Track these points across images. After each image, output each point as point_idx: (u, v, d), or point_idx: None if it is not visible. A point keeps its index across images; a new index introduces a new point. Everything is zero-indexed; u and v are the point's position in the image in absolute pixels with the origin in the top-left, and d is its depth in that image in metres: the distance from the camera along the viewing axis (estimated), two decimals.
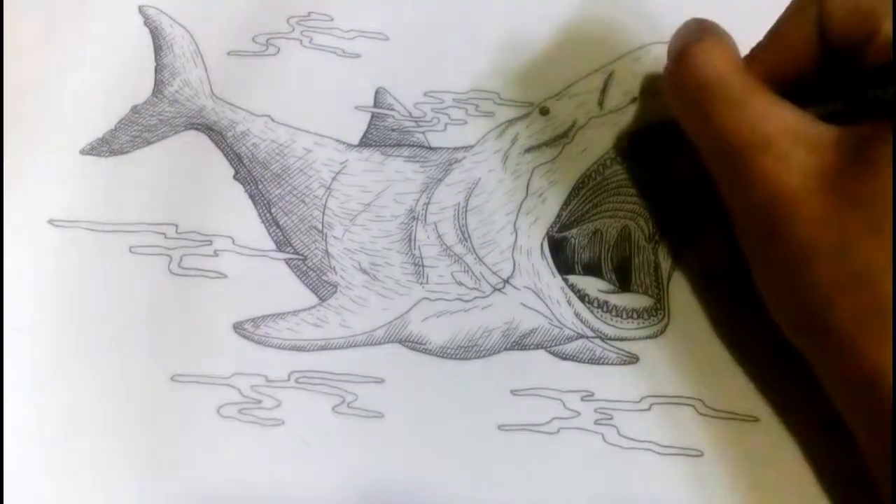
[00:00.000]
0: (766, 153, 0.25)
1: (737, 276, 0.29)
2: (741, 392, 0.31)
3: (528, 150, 0.33)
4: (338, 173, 0.33)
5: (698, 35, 0.27)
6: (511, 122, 0.34)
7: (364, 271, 0.32)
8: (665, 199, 0.32)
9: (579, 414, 0.31)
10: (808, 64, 0.27)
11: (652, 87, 0.33)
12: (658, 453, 0.30)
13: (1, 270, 0.32)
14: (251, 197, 0.33)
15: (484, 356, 0.31)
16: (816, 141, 0.24)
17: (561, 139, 0.33)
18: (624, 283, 0.32)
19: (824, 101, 0.27)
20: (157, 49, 0.35)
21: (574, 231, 0.33)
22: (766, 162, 0.25)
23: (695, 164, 0.28)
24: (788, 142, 0.24)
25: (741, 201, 0.26)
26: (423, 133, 0.34)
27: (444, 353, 0.31)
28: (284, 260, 0.32)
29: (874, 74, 0.25)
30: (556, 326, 0.32)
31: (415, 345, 0.32)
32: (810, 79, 0.27)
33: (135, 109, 0.34)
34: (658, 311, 0.32)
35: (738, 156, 0.25)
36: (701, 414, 0.31)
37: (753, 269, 0.27)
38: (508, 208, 0.33)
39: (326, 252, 0.33)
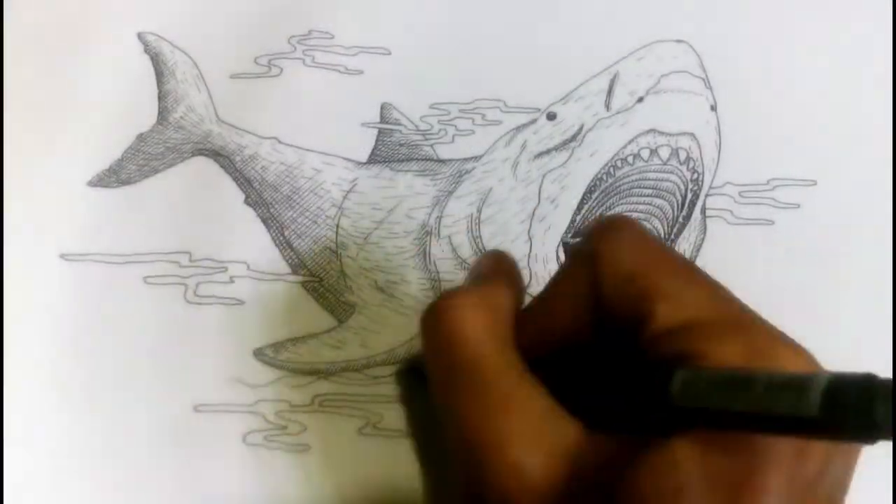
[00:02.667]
0: (500, 456, 0.19)
1: None
2: None
3: (538, 156, 0.33)
4: (348, 192, 0.33)
5: (469, 281, 0.23)
6: (519, 129, 0.33)
7: (381, 289, 0.32)
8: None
9: None
10: (581, 330, 0.21)
11: None
12: None
13: (3, 305, 0.32)
14: (263, 221, 0.33)
15: None
16: (556, 448, 0.19)
17: (570, 143, 0.33)
18: None
19: (595, 382, 0.22)
20: (159, 75, 0.34)
21: None
22: (498, 468, 0.19)
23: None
24: (524, 444, 0.19)
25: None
26: (431, 146, 0.34)
27: None
28: (300, 283, 0.32)
29: (644, 367, 0.19)
30: None
31: None
32: (587, 342, 0.22)
33: (140, 138, 0.34)
34: None
35: (472, 451, 0.20)
36: None
37: None
38: (521, 216, 0.32)
39: (342, 272, 0.32)
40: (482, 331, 0.21)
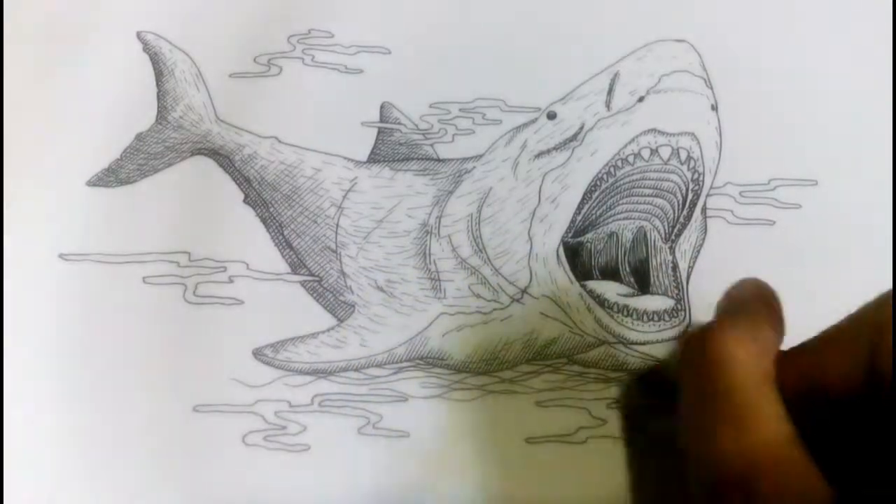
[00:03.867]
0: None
1: None
2: None
3: (538, 155, 0.33)
4: (348, 191, 0.33)
5: (734, 314, 0.22)
6: (519, 128, 0.33)
7: (381, 289, 0.32)
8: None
9: (606, 422, 0.30)
10: (847, 390, 0.21)
11: None
12: None
13: (3, 305, 0.31)
14: (263, 220, 0.33)
15: (506, 368, 0.31)
16: None
17: (570, 142, 0.33)
18: (643, 285, 0.32)
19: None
20: (158, 75, 0.34)
21: (589, 235, 0.32)
22: None
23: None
24: (773, 491, 0.19)
25: None
26: (431, 145, 0.34)
27: (466, 367, 0.31)
28: (300, 282, 0.32)
29: None
30: (577, 334, 0.31)
31: (436, 360, 0.31)
32: (847, 401, 0.21)
33: (139, 137, 0.34)
34: (679, 312, 0.31)
35: (720, 485, 0.20)
36: None
37: None
38: (522, 216, 0.32)
39: (342, 272, 0.32)
40: (749, 366, 0.20)
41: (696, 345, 0.21)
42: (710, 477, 0.20)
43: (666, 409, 0.23)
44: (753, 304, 0.22)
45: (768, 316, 0.22)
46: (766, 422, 0.20)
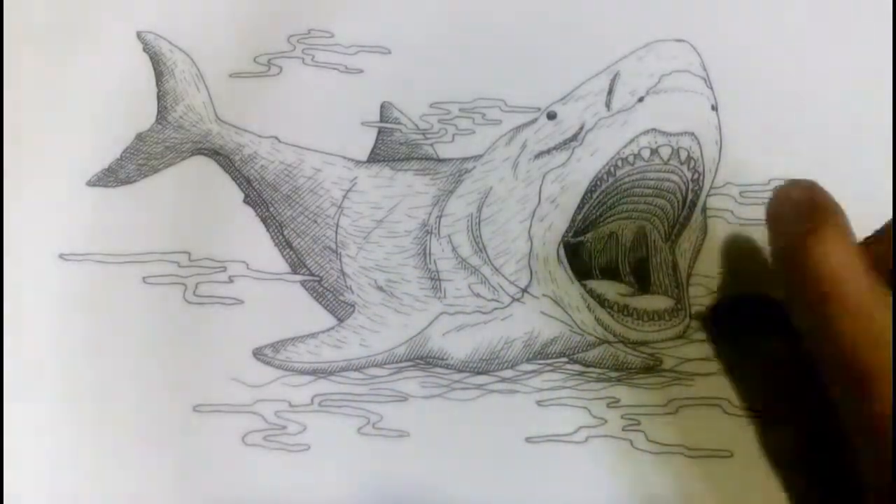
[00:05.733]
0: (889, 375, 0.22)
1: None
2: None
3: (538, 155, 0.33)
4: (348, 191, 0.33)
5: (815, 220, 0.24)
6: (519, 128, 0.33)
7: (381, 289, 0.32)
8: (752, 377, 0.31)
9: (606, 421, 0.30)
10: None
11: (740, 257, 0.32)
12: (688, 456, 0.30)
13: (3, 305, 0.31)
14: (263, 220, 0.33)
15: (506, 368, 0.31)
16: None
17: (570, 142, 0.33)
18: (643, 285, 0.32)
19: None
20: (158, 75, 0.34)
21: (589, 235, 0.32)
22: (886, 385, 0.22)
23: (793, 350, 0.27)
24: None
25: (856, 416, 0.24)
26: (431, 145, 0.34)
27: (467, 367, 0.31)
28: (300, 282, 0.32)
29: None
30: (578, 333, 0.31)
31: (436, 360, 0.31)
32: None
33: (139, 137, 0.34)
34: (679, 312, 0.31)
35: (856, 371, 0.23)
36: (728, 413, 0.30)
37: (864, 473, 0.25)
38: (522, 216, 0.32)
39: (342, 272, 0.32)
40: (853, 258, 0.23)
41: (789, 257, 0.24)
42: (855, 372, 0.23)
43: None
44: (821, 205, 0.25)
45: (838, 211, 0.25)
46: (884, 308, 0.23)
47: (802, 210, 0.25)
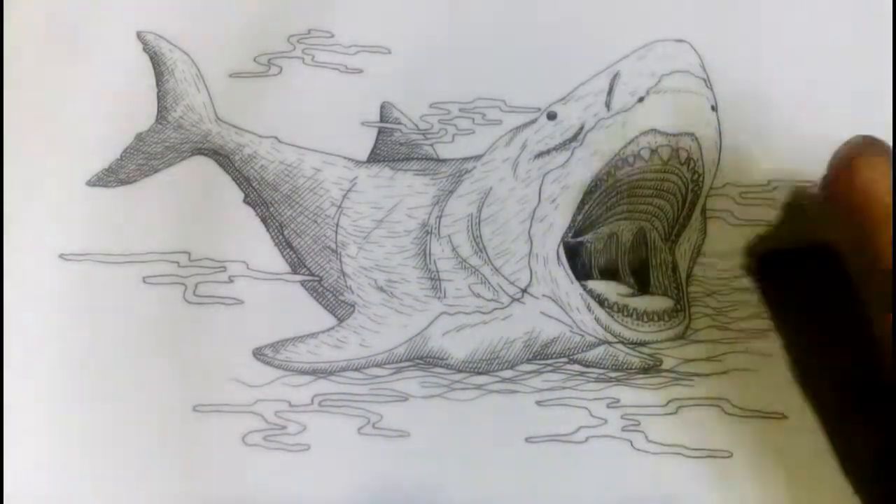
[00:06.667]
0: None
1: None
2: (768, 389, 0.30)
3: (538, 156, 0.33)
4: (348, 191, 0.33)
5: (860, 148, 0.26)
6: (519, 128, 0.33)
7: (381, 289, 0.32)
8: (803, 325, 0.31)
9: (606, 421, 0.30)
10: None
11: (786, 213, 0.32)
12: (687, 456, 0.30)
13: (3, 305, 0.31)
14: (263, 220, 0.33)
15: (506, 368, 0.31)
16: None
17: (570, 143, 0.33)
18: (643, 285, 0.32)
19: None
20: (158, 75, 0.34)
21: (589, 236, 0.32)
22: None
23: (844, 295, 0.27)
24: None
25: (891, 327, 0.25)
26: (431, 145, 0.34)
27: (467, 367, 0.31)
28: (300, 282, 0.32)
29: None
30: (578, 334, 0.31)
31: (436, 360, 0.31)
32: None
33: (139, 137, 0.34)
34: (678, 312, 0.31)
35: (886, 274, 0.24)
36: (728, 414, 0.30)
37: None
38: (522, 216, 0.32)
39: (342, 272, 0.32)
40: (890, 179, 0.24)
41: (836, 181, 0.26)
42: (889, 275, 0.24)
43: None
44: (867, 139, 0.26)
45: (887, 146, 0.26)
46: None
47: (850, 143, 0.27)
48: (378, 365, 0.31)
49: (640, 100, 0.33)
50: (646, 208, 0.32)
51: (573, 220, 0.32)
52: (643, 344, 0.31)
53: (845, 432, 0.29)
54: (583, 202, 0.32)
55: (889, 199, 0.24)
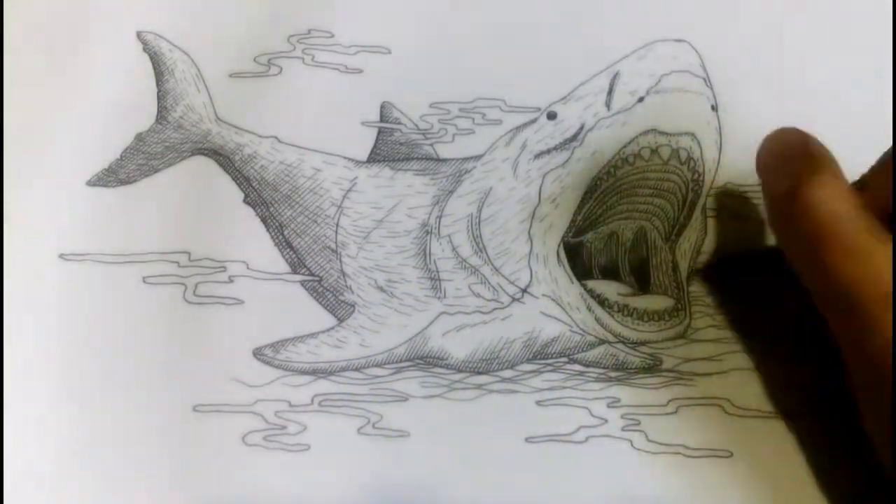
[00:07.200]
0: (888, 310, 0.23)
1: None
2: (768, 389, 0.30)
3: (538, 155, 0.33)
4: (348, 191, 0.33)
5: (808, 168, 0.25)
6: (519, 128, 0.33)
7: (381, 289, 0.32)
8: (758, 327, 0.31)
9: (606, 421, 0.30)
10: None
11: (743, 209, 0.33)
12: (687, 456, 0.30)
13: (3, 305, 0.31)
14: (263, 220, 0.33)
15: (506, 368, 0.31)
16: None
17: (570, 143, 0.33)
18: (643, 285, 0.32)
19: None
20: (158, 75, 0.34)
21: (589, 235, 0.32)
22: (886, 318, 0.23)
23: (798, 299, 0.28)
24: None
25: (858, 353, 0.25)
26: (431, 145, 0.34)
27: (467, 367, 0.31)
28: (300, 282, 0.32)
29: None
30: (578, 333, 0.31)
31: (436, 360, 0.31)
32: None
33: (139, 137, 0.34)
34: (679, 312, 0.31)
35: (857, 308, 0.24)
36: (728, 413, 0.30)
37: (864, 415, 0.26)
38: (522, 216, 0.32)
39: (342, 272, 0.32)
40: (849, 202, 0.24)
41: (785, 206, 0.25)
42: (855, 308, 0.24)
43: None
44: (813, 153, 0.26)
45: (830, 157, 0.26)
46: (884, 242, 0.24)
47: (795, 157, 0.26)
48: (378, 365, 0.31)
49: (641, 99, 0.33)
50: (646, 208, 0.32)
51: (573, 220, 0.32)
52: (643, 343, 0.31)
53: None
54: (583, 202, 0.32)
55: (845, 224, 0.24)
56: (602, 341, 0.31)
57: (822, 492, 0.29)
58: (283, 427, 0.30)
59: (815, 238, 0.24)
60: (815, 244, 0.24)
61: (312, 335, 0.31)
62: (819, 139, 0.27)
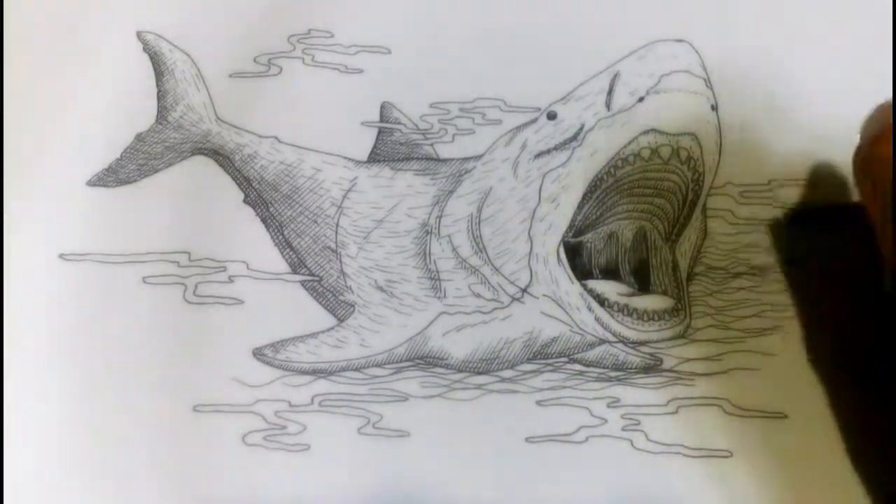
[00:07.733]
0: None
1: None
2: (768, 389, 0.30)
3: (538, 155, 0.33)
4: (348, 191, 0.33)
5: (882, 128, 0.26)
6: (519, 128, 0.33)
7: (381, 289, 0.32)
8: (823, 284, 0.32)
9: (606, 421, 0.30)
10: None
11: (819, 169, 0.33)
12: (687, 456, 0.30)
13: (3, 305, 0.31)
14: (263, 220, 0.33)
15: (506, 368, 0.31)
16: None
17: (570, 143, 0.33)
18: (643, 284, 0.32)
19: None
20: (158, 75, 0.34)
21: (589, 235, 0.32)
22: None
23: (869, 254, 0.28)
24: None
25: None
26: (431, 145, 0.34)
27: (467, 366, 0.31)
28: (300, 282, 0.32)
29: None
30: (578, 333, 0.31)
31: (436, 360, 0.31)
32: None
33: (139, 137, 0.34)
34: (679, 312, 0.31)
35: None
36: (728, 413, 0.30)
37: None
38: (522, 216, 0.32)
39: (342, 272, 0.32)
40: None
41: (868, 149, 0.27)
42: None
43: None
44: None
45: None
46: None
47: (884, 111, 0.27)
48: (378, 365, 0.31)
49: (641, 99, 0.32)
50: (646, 208, 0.32)
51: (573, 220, 0.32)
52: (643, 343, 0.31)
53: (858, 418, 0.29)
54: (583, 202, 0.32)
55: None
56: (602, 341, 0.31)
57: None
58: (283, 427, 0.30)
59: (883, 180, 0.25)
60: (883, 187, 0.25)
61: (312, 335, 0.31)
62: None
